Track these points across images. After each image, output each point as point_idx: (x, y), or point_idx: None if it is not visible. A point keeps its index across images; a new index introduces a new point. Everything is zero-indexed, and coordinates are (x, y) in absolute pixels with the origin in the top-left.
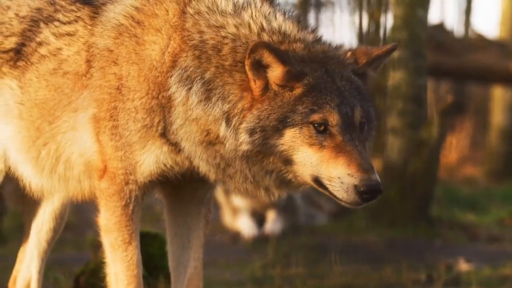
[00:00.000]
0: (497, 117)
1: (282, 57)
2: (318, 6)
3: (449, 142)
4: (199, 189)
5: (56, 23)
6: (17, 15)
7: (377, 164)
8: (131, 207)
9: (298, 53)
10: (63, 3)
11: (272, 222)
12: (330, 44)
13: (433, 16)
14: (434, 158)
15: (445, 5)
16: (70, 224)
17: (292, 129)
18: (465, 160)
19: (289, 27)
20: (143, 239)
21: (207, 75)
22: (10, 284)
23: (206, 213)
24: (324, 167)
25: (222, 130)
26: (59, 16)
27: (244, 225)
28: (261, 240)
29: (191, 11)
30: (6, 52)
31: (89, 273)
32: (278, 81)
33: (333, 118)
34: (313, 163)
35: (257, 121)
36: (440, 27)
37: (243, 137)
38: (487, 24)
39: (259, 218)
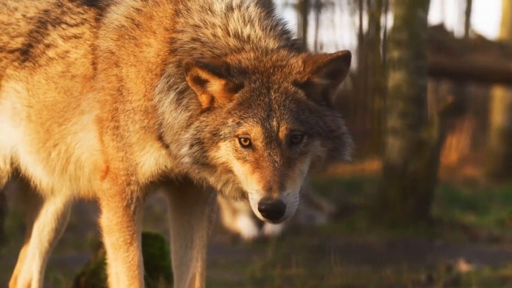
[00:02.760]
0: (497, 118)
1: (217, 71)
2: (318, 7)
3: (449, 143)
4: (202, 190)
5: (64, 26)
6: (24, 16)
7: (377, 164)
8: (132, 208)
9: (242, 64)
10: (70, 5)
11: None
12: (290, 52)
13: (433, 17)
14: (434, 158)
15: (445, 5)
16: (71, 224)
17: (224, 143)
18: (465, 161)
19: (256, 34)
20: (144, 239)
21: (183, 85)
22: (11, 283)
23: (210, 213)
24: (244, 181)
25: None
26: (66, 18)
27: (244, 226)
28: (261, 240)
29: (184, 10)
30: (12, 51)
31: (90, 273)
32: (219, 94)
33: (254, 132)
34: (240, 177)
35: (195, 132)
36: (440, 27)
37: (184, 149)
38: (487, 24)
39: (258, 218)
